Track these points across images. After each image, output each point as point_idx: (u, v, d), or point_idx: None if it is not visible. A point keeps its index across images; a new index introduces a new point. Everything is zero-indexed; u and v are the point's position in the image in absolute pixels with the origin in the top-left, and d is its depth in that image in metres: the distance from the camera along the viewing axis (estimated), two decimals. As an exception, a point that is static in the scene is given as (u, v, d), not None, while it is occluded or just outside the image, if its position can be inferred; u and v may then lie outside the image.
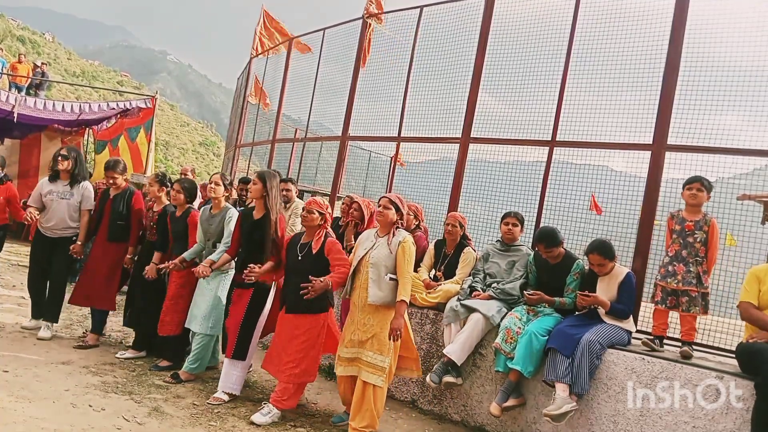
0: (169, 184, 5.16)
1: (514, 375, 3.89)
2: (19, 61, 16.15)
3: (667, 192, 4.36)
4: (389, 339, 3.63)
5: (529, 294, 4.14)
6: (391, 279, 3.71)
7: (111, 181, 5.11)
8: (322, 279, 3.68)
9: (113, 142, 12.25)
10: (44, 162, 12.54)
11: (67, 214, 5.13)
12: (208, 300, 4.46)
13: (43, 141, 12.48)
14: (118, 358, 4.72)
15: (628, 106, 4.77)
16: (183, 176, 7.01)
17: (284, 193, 5.49)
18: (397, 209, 3.81)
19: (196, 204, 5.04)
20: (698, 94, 4.37)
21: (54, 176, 5.21)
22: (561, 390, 3.62)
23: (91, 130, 12.92)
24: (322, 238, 3.94)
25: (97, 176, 10.03)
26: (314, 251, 3.90)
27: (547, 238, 4.13)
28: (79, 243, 5.15)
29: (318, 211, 3.94)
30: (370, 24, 7.10)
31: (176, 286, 4.69)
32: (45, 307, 5.11)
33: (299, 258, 3.94)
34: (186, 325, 4.55)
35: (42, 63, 17.15)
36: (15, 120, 10.47)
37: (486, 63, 5.61)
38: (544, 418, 3.65)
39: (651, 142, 4.48)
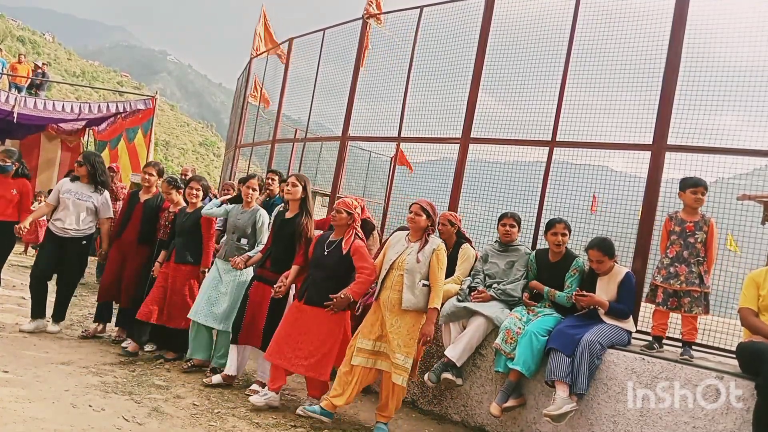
0: (181, 185, 5.28)
1: (514, 375, 3.89)
2: (19, 62, 16.11)
3: (666, 192, 4.36)
4: (418, 343, 3.76)
5: (528, 300, 4.24)
6: (424, 285, 3.78)
7: (146, 176, 5.27)
8: (342, 294, 3.81)
9: (112, 143, 12.23)
10: (43, 162, 12.54)
11: (81, 216, 5.17)
12: (228, 298, 4.55)
13: (43, 141, 12.48)
14: (147, 351, 4.94)
15: (628, 106, 4.77)
16: (184, 176, 7.04)
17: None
18: (428, 216, 3.86)
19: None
20: (698, 94, 4.36)
21: (75, 177, 5.28)
22: (561, 390, 3.62)
23: (91, 131, 12.91)
24: (352, 239, 4.01)
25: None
26: (344, 251, 3.98)
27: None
28: (103, 251, 5.36)
29: (346, 211, 4.02)
30: (369, 24, 7.10)
31: (164, 280, 4.85)
32: (55, 307, 5.22)
33: (325, 253, 4.02)
34: (205, 323, 4.57)
35: (42, 63, 17.14)
36: (15, 120, 10.48)
37: (486, 63, 5.61)
38: (544, 418, 3.65)
39: (651, 143, 4.48)
